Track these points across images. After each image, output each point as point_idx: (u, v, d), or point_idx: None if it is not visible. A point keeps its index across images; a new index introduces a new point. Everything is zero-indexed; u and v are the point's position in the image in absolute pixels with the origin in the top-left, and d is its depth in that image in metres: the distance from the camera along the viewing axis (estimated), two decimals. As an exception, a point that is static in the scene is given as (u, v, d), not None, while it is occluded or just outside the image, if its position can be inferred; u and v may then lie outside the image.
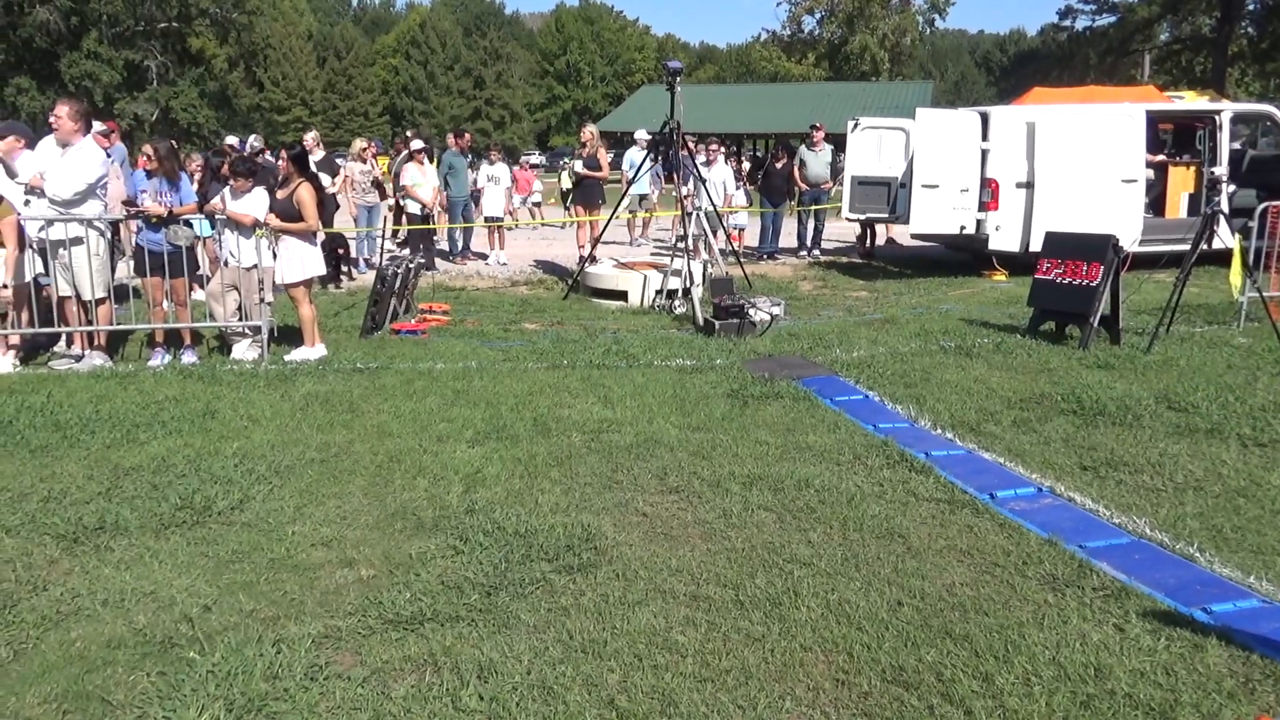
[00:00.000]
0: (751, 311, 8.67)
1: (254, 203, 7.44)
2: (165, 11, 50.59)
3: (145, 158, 7.58)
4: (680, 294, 10.02)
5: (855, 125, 13.67)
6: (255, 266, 7.46)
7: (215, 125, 51.29)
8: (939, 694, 2.96)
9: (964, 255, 13.26)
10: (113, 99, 48.26)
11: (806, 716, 2.88)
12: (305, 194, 7.46)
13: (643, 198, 16.27)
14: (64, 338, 7.59)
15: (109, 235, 7.54)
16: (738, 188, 15.09)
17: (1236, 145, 14.06)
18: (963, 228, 12.04)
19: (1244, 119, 13.98)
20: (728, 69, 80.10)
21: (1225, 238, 8.78)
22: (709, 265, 10.62)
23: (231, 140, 14.08)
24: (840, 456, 5.19)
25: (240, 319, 7.64)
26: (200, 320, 7.89)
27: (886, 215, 13.56)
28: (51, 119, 6.97)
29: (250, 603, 3.55)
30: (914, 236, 13.25)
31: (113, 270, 7.73)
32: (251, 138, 14.76)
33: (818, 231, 15.04)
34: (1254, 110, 14.34)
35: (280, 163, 7.56)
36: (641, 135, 14.89)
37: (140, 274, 7.66)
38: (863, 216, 13.96)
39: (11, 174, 7.09)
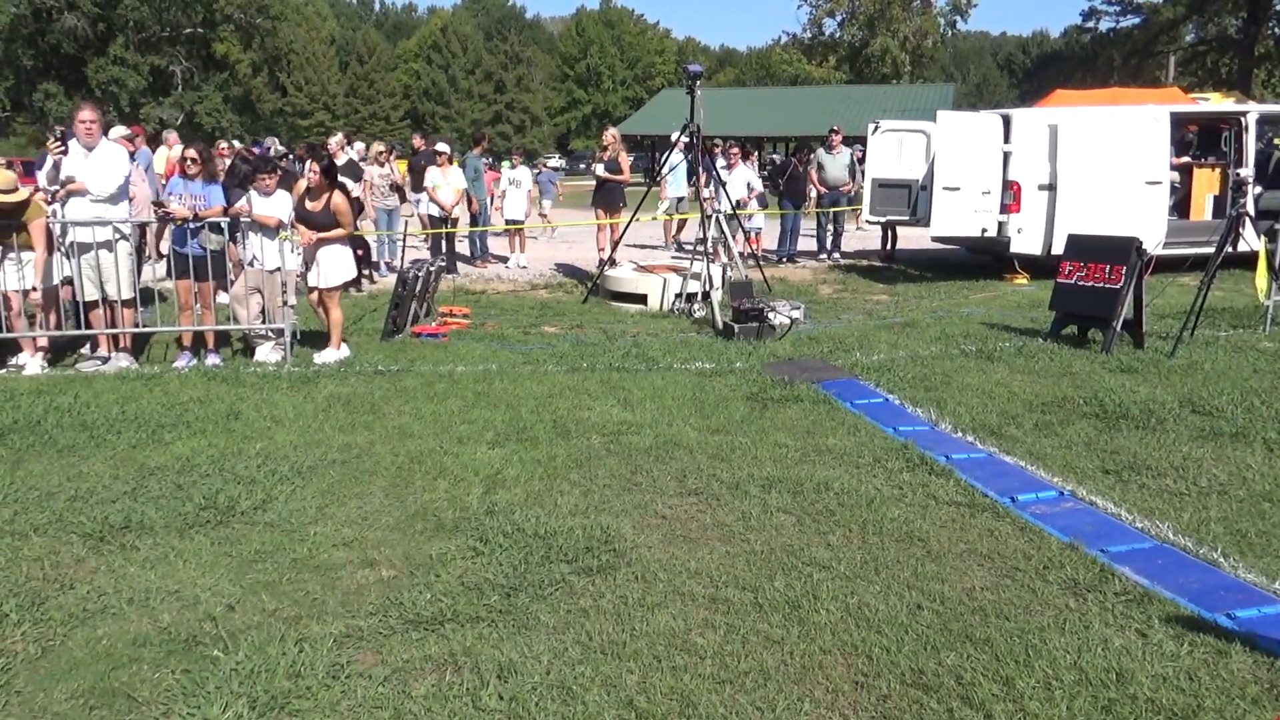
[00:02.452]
0: (771, 315, 8.66)
1: (278, 204, 7.51)
2: (190, 17, 51.22)
3: (190, 162, 7.66)
4: (700, 297, 10.02)
5: (875, 128, 13.63)
6: (279, 269, 7.53)
7: (239, 129, 51.81)
8: (959, 697, 2.95)
9: (985, 258, 13.19)
10: (138, 104, 48.89)
11: (825, 719, 2.88)
12: (341, 200, 7.59)
13: (680, 199, 16.28)
14: (89, 341, 7.70)
15: (134, 238, 7.64)
16: (751, 191, 15.09)
17: (1262, 146, 13.90)
18: (984, 230, 11.98)
19: (1270, 120, 13.82)
20: (748, 72, 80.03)
21: (1251, 240, 8.69)
22: (728, 268, 10.62)
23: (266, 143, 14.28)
24: (860, 459, 5.18)
25: (263, 321, 7.72)
26: (224, 323, 7.97)
27: (907, 218, 13.50)
28: (84, 125, 7.07)
29: (273, 602, 3.59)
30: (935, 239, 13.19)
31: (138, 273, 7.83)
32: (269, 140, 14.92)
33: (837, 234, 15.01)
34: (1281, 112, 14.19)
35: (311, 175, 7.63)
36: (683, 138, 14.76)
37: (171, 277, 7.76)
38: (883, 219, 13.92)
39: (53, 181, 7.21)
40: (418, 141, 14.71)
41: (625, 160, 13.56)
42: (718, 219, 10.40)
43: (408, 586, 3.71)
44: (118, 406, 6.20)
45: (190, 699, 2.96)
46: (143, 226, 8.51)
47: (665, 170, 13.76)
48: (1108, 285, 7.82)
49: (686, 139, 10.64)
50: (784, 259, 14.62)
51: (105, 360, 7.43)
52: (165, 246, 8.51)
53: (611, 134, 13.71)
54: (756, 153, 27.44)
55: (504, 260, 14.39)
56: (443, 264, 11.14)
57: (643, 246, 15.64)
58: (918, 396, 6.45)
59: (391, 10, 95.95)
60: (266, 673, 3.07)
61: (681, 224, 16.33)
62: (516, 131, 70.30)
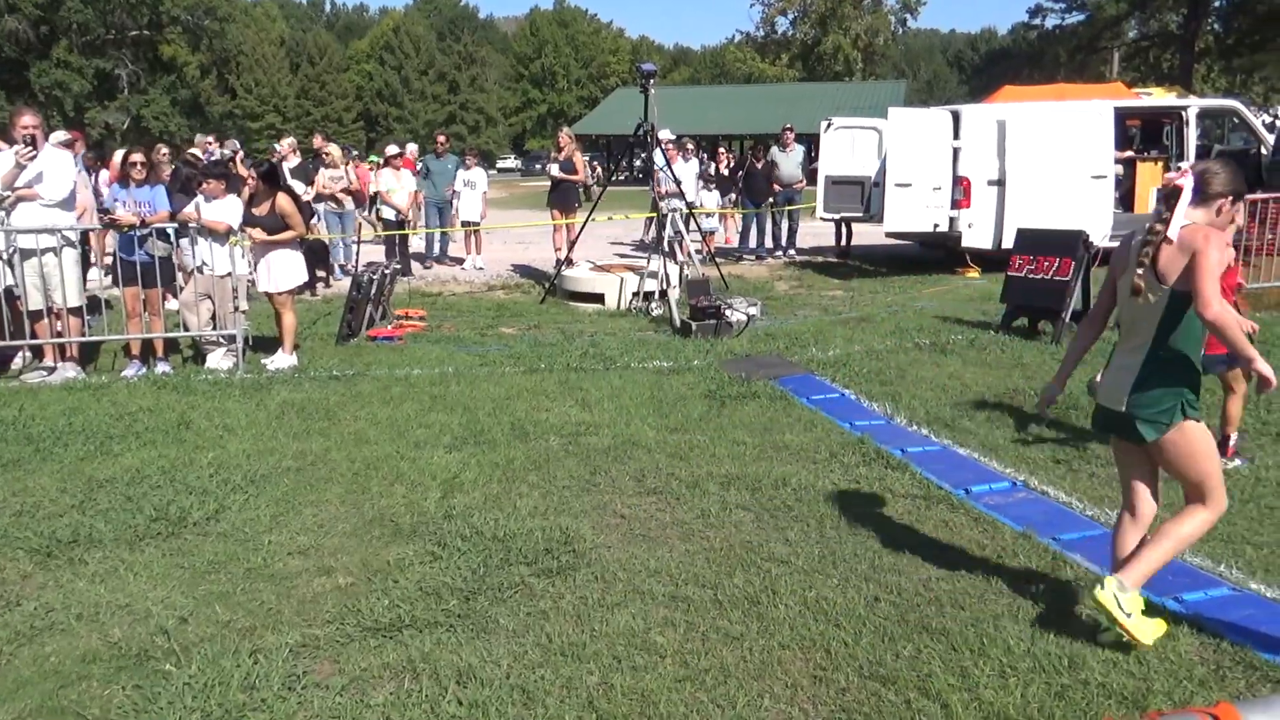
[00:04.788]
0: (728, 312, 8.70)
1: (227, 209, 7.39)
2: (136, 19, 50.22)
3: (136, 167, 7.47)
4: (657, 296, 10.03)
5: (828, 125, 13.74)
6: (229, 274, 7.42)
7: (188, 133, 50.90)
8: (916, 688, 2.98)
9: (938, 253, 13.36)
10: (83, 108, 47.85)
11: (785, 714, 2.90)
12: (285, 203, 7.48)
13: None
14: (33, 352, 7.52)
15: (78, 245, 7.48)
16: (705, 188, 15.13)
17: (1203, 140, 14.23)
18: (936, 225, 12.14)
19: (1210, 114, 14.16)
20: (702, 71, 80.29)
21: (1193, 232, 8.84)
22: (685, 267, 10.65)
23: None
24: (817, 454, 5.22)
25: (214, 328, 7.59)
26: (174, 330, 7.83)
27: (861, 214, 13.64)
28: (30, 131, 6.87)
29: (227, 613, 3.53)
30: (888, 235, 13.34)
31: (83, 280, 7.67)
32: (227, 144, 14.63)
33: (792, 231, 15.11)
34: (1220, 105, 14.54)
35: (250, 180, 7.52)
36: (665, 135, 14.58)
37: (117, 284, 7.61)
38: (837, 216, 14.04)
39: (7, 185, 7.03)
40: (318, 141, 13.65)
41: (580, 160, 13.53)
42: (673, 216, 10.41)
43: (365, 593, 3.68)
44: (64, 418, 6.06)
45: (142, 715, 2.91)
46: (87, 234, 8.33)
47: (656, 169, 13.67)
48: (1056, 278, 7.97)
49: (674, 137, 10.59)
50: (743, 256, 14.69)
51: (51, 370, 7.27)
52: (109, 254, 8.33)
53: (566, 134, 13.69)
54: (711, 151, 27.41)
55: (460, 262, 14.30)
56: (398, 266, 11.04)
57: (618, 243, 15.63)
58: (873, 391, 6.52)
59: (342, 11, 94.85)
60: (221, 686, 3.02)
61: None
62: (471, 132, 69.85)
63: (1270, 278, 9.08)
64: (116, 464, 5.20)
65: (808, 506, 4.47)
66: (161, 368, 7.43)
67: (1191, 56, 41.08)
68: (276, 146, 12.55)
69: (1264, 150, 12.76)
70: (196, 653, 3.24)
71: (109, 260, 9.36)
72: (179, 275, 7.98)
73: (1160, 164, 13.25)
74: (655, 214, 14.89)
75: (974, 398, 6.27)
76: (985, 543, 4.05)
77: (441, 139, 14.88)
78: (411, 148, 13.99)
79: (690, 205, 12.51)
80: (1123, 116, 12.85)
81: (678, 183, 12.20)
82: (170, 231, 7.39)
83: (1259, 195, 9.73)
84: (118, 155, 8.48)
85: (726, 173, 16.63)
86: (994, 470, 4.95)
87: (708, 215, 14.32)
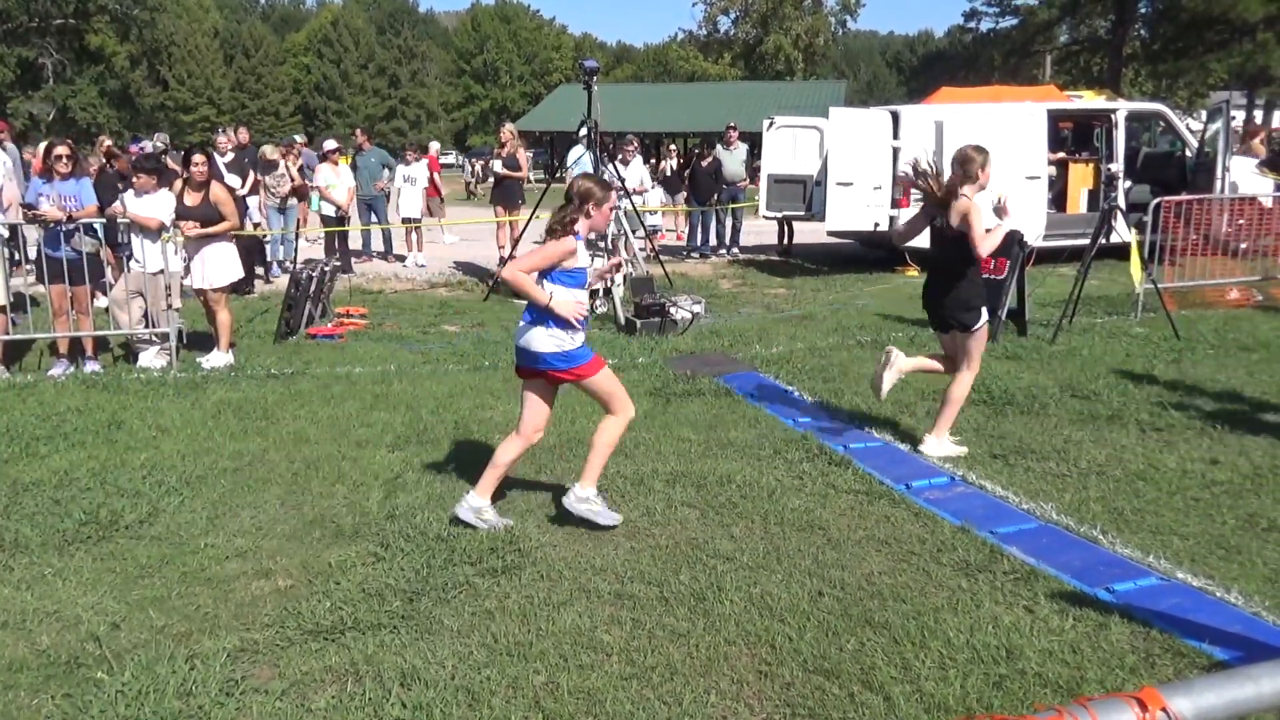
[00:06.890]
0: (672, 310, 8.73)
1: (159, 204, 7.20)
2: (61, 8, 48.62)
3: (61, 160, 7.22)
4: (601, 293, 10.01)
5: (770, 124, 13.84)
6: (162, 271, 7.22)
7: (117, 125, 49.48)
8: (859, 681, 3.02)
9: (879, 252, 13.54)
10: (6, 98, 46.25)
11: (730, 709, 2.92)
12: (221, 192, 7.31)
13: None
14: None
15: (3, 241, 7.23)
16: (652, 185, 15.15)
17: (1133, 142, 14.62)
18: (876, 224, 12.29)
19: (1137, 117, 14.56)
20: (645, 69, 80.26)
21: (1122, 232, 9.13)
22: (629, 264, 10.64)
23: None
24: (761, 451, 5.26)
25: (146, 326, 7.39)
26: (103, 328, 7.60)
27: (803, 213, 13.77)
28: None
29: (161, 618, 3.44)
30: (830, 234, 13.49)
31: (9, 278, 7.40)
32: (156, 137, 14.23)
33: (735, 230, 15.20)
34: (1147, 109, 14.96)
35: (200, 166, 7.33)
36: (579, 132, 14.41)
37: (42, 281, 7.37)
38: (779, 214, 14.16)
39: None
40: (244, 136, 13.07)
41: (523, 156, 13.45)
42: (618, 215, 10.39)
43: (306, 596, 3.61)
44: (-13, 419, 5.85)
45: (72, 725, 2.82)
46: (13, 229, 8.03)
47: (570, 163, 13.66)
48: (992, 276, 8.12)
49: (585, 134, 10.61)
50: (689, 253, 14.75)
51: (-27, 370, 7.01)
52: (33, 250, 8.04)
53: (509, 130, 13.59)
54: (657, 149, 27.37)
55: (401, 259, 14.12)
56: (338, 263, 10.86)
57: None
58: (816, 387, 6.59)
59: (278, 3, 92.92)
60: (155, 693, 2.95)
61: None
62: (412, 127, 68.92)
63: (1195, 277, 9.39)
64: (43, 466, 5.04)
65: (752, 503, 4.50)
66: (90, 366, 7.21)
67: (1120, 61, 42.20)
68: (220, 139, 12.20)
69: (1188, 153, 13.17)
70: (129, 659, 3.15)
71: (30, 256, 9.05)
72: (108, 271, 7.74)
73: (1091, 165, 13.59)
74: None
75: (914, 394, 6.37)
76: (925, 537, 4.12)
77: (360, 133, 14.64)
78: (330, 143, 13.69)
79: (634, 203, 12.54)
80: (1055, 119, 13.15)
81: (622, 180, 12.19)
82: (97, 227, 7.18)
83: (1184, 196, 10.05)
84: (41, 147, 8.19)
85: (670, 172, 16.68)
86: (933, 465, 5.03)
87: (651, 213, 14.35)
